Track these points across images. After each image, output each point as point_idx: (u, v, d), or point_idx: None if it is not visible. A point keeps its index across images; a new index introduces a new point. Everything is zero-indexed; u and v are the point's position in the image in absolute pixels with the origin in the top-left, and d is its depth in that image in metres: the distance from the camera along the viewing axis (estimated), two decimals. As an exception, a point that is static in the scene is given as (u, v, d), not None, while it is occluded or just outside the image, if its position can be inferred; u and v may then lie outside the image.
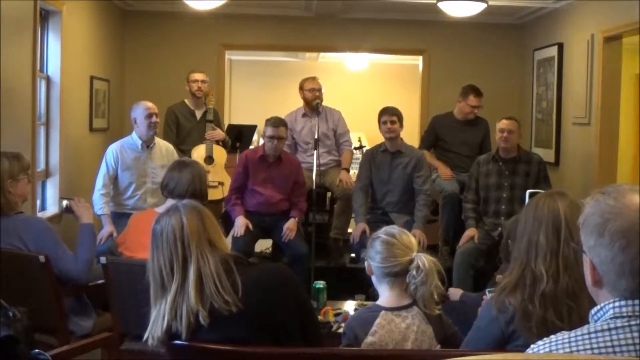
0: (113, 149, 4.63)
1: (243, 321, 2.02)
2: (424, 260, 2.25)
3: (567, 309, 1.96)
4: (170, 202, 3.38)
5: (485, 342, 2.07)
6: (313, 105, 5.50)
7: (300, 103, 5.86)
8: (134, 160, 4.63)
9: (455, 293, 3.52)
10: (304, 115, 5.63)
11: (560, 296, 1.97)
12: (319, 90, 5.60)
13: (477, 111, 5.60)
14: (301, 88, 5.68)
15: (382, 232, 2.36)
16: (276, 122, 4.76)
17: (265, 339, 2.06)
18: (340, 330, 2.94)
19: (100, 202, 4.47)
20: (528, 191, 2.19)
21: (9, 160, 3.18)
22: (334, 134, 5.68)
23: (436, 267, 2.28)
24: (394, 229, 2.37)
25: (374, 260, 2.33)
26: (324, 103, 5.71)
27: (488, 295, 2.72)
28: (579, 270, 1.91)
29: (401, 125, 4.96)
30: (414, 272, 2.25)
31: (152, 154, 4.69)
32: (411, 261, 2.26)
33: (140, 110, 4.59)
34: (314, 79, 5.70)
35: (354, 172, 5.73)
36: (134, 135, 4.66)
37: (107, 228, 4.35)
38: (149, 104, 4.65)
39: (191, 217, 2.10)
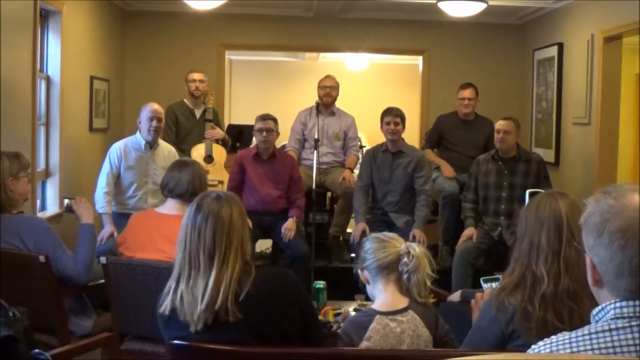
0: (117, 147, 4.64)
1: (242, 326, 2.02)
2: (415, 246, 2.31)
3: (567, 310, 1.95)
4: (170, 201, 3.38)
5: (486, 342, 2.07)
6: (320, 102, 5.54)
7: (301, 102, 5.87)
8: (136, 159, 4.64)
9: (455, 296, 3.51)
10: (318, 112, 5.63)
11: (560, 297, 1.96)
12: (330, 87, 5.65)
13: (467, 103, 5.58)
14: (318, 86, 5.73)
15: (370, 235, 2.43)
16: (264, 116, 4.84)
17: (263, 343, 2.05)
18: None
19: (102, 201, 4.48)
20: (528, 191, 2.17)
21: (9, 159, 3.19)
22: (344, 136, 5.69)
23: (426, 256, 2.32)
24: (379, 233, 2.44)
25: (366, 259, 2.35)
26: (339, 106, 5.76)
27: (483, 285, 2.72)
28: (580, 270, 1.90)
29: (404, 127, 4.97)
30: (406, 259, 2.28)
31: (155, 154, 4.70)
32: (401, 254, 2.30)
33: (145, 112, 4.61)
34: (329, 77, 5.77)
35: (355, 172, 5.74)
36: (138, 135, 4.68)
37: (108, 228, 4.35)
38: (155, 107, 4.64)
39: (237, 214, 2.09)
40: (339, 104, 5.90)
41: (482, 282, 2.76)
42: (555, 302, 1.96)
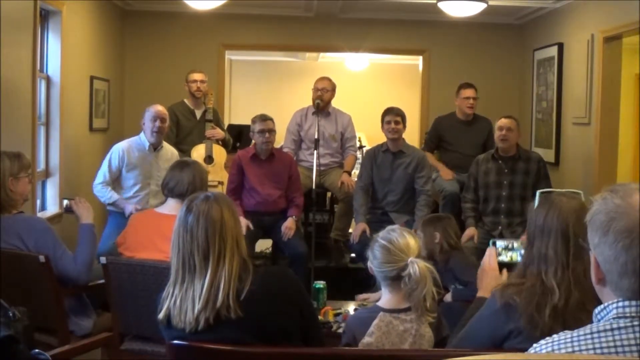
0: (119, 148, 4.66)
1: (242, 325, 2.02)
2: (417, 267, 2.24)
3: (575, 321, 1.91)
4: (171, 201, 3.38)
5: (486, 333, 2.06)
6: (314, 104, 5.52)
7: (301, 102, 5.87)
8: (139, 160, 4.65)
9: (447, 297, 3.51)
10: (314, 113, 5.61)
11: (571, 310, 1.92)
12: (322, 89, 5.59)
13: (472, 102, 5.60)
14: (313, 87, 5.70)
15: (382, 236, 2.36)
16: (263, 116, 4.82)
17: (264, 342, 2.05)
18: (340, 330, 2.94)
19: (106, 191, 4.58)
20: (539, 191, 2.11)
21: (10, 159, 3.19)
22: (341, 137, 5.67)
23: (431, 274, 2.26)
24: (393, 232, 2.36)
25: (373, 263, 2.35)
26: (335, 105, 5.73)
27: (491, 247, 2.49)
28: (588, 282, 1.88)
29: (404, 126, 4.98)
30: (406, 279, 2.25)
31: (158, 156, 4.72)
32: (405, 267, 2.26)
33: (148, 113, 4.65)
34: (323, 79, 5.71)
35: (354, 172, 5.74)
36: (142, 136, 4.69)
37: (129, 207, 4.50)
38: (158, 108, 4.67)
39: (228, 213, 2.09)
40: (339, 104, 5.89)
41: (490, 244, 2.50)
42: (565, 314, 1.92)
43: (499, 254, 2.45)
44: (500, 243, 2.51)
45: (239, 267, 2.05)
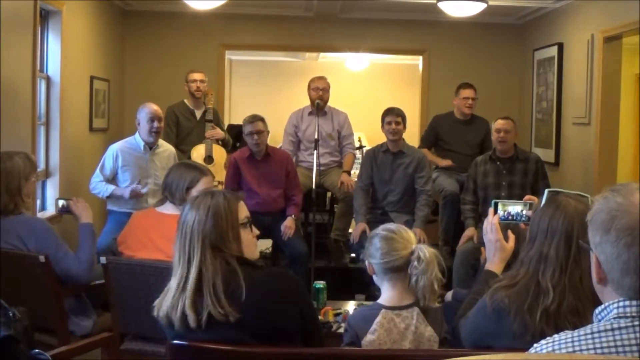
0: (113, 150, 4.66)
1: (242, 326, 2.01)
2: (425, 250, 2.26)
3: (571, 325, 1.87)
4: (170, 203, 3.37)
5: (474, 333, 2.07)
6: (314, 104, 5.53)
7: (301, 102, 5.87)
8: (135, 160, 4.65)
9: (447, 296, 3.51)
10: (310, 113, 5.61)
11: (563, 314, 1.91)
12: (323, 89, 5.60)
13: (471, 102, 5.61)
14: (309, 86, 5.69)
15: (380, 229, 2.35)
16: (252, 118, 4.81)
17: (264, 342, 2.05)
18: (340, 330, 2.94)
19: (102, 185, 4.58)
20: (547, 190, 2.09)
21: (22, 161, 3.18)
22: (338, 135, 5.68)
23: (437, 258, 2.28)
24: (391, 225, 2.37)
25: (374, 257, 2.32)
26: (331, 104, 5.72)
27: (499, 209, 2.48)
28: (584, 289, 1.87)
29: (404, 126, 4.99)
30: (415, 263, 2.24)
31: (155, 155, 4.71)
32: (412, 252, 2.26)
33: (144, 113, 4.63)
34: (320, 78, 5.71)
35: (354, 172, 5.74)
36: (137, 136, 4.69)
37: (127, 190, 4.51)
38: (154, 108, 4.66)
39: (206, 215, 2.05)
40: (339, 103, 5.89)
41: (493, 203, 2.44)
42: (557, 318, 1.91)
43: (504, 215, 2.41)
44: (508, 206, 2.46)
45: (220, 270, 2.02)
